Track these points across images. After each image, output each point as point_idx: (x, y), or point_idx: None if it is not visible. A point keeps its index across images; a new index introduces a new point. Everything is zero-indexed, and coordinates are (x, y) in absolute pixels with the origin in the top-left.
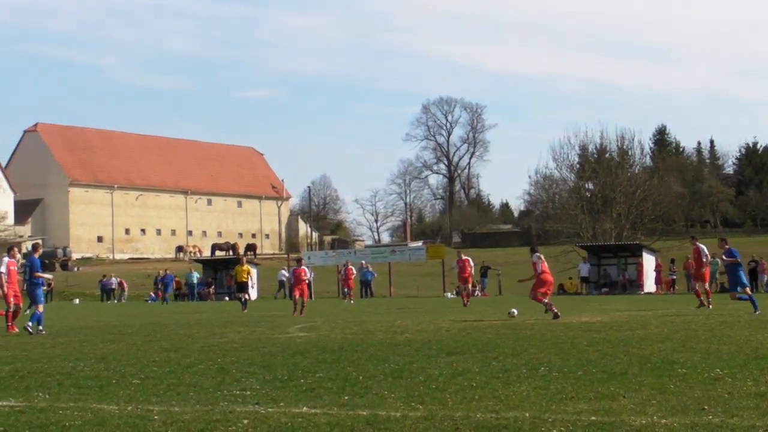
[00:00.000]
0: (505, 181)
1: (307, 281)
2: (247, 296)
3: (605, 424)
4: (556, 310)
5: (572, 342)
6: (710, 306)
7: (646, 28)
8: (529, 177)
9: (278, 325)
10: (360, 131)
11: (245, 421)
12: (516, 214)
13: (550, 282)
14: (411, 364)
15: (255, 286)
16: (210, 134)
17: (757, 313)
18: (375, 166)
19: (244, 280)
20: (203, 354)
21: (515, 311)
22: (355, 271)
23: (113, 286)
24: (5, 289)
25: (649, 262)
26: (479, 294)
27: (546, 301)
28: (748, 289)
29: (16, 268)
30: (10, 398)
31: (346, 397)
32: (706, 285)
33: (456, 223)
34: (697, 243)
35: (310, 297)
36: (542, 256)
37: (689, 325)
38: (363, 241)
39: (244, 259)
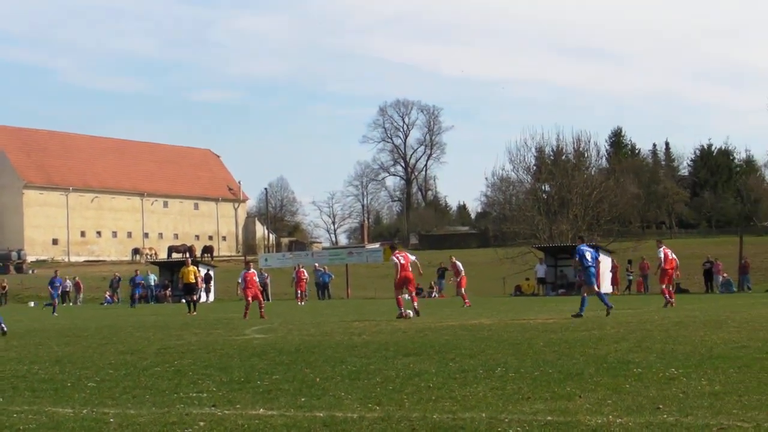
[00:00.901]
0: (462, 183)
1: (259, 284)
2: (195, 298)
3: (561, 423)
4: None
5: (529, 343)
6: (674, 304)
7: (601, 33)
8: (486, 179)
9: (235, 327)
10: (317, 133)
11: (201, 423)
12: (473, 215)
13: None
14: (368, 366)
15: (209, 288)
16: (166, 136)
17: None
18: (332, 168)
19: (191, 281)
20: (160, 356)
21: (411, 313)
22: (306, 274)
23: (68, 288)
24: None
25: (605, 263)
26: (436, 295)
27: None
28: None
29: None
30: None
31: (303, 399)
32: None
33: (413, 224)
34: (663, 246)
35: (267, 299)
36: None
37: (644, 325)
38: (320, 243)
39: (189, 260)
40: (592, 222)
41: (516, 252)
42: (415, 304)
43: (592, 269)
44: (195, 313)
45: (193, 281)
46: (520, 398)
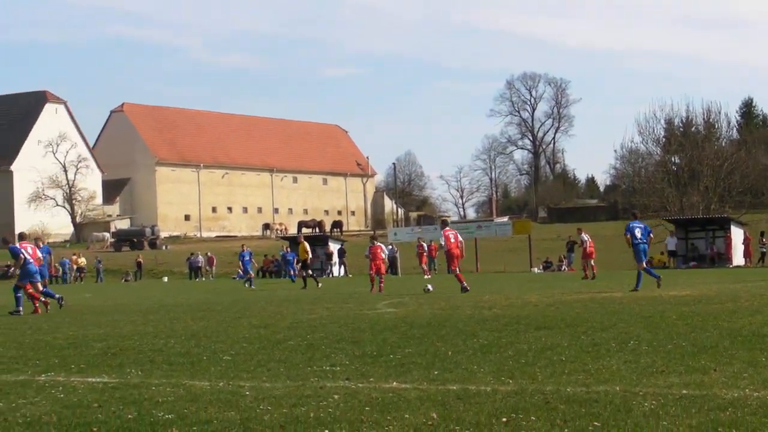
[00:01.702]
0: (591, 155)
1: (385, 258)
2: (310, 273)
3: (696, 397)
4: None
5: (661, 315)
6: None
7: (730, 1)
8: (615, 151)
9: (366, 301)
10: (444, 107)
11: (336, 397)
12: (602, 188)
13: None
14: (499, 339)
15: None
16: (294, 112)
17: None
18: (459, 143)
19: (305, 257)
20: (292, 330)
21: (430, 287)
22: (426, 247)
23: (200, 264)
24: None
25: (737, 235)
26: (566, 269)
27: None
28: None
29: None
30: (103, 374)
31: (436, 372)
32: None
33: (541, 198)
34: None
35: (396, 273)
36: None
37: None
38: (449, 217)
39: (302, 237)
40: (723, 194)
41: None
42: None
43: (642, 246)
44: (306, 288)
45: (307, 257)
46: (654, 371)
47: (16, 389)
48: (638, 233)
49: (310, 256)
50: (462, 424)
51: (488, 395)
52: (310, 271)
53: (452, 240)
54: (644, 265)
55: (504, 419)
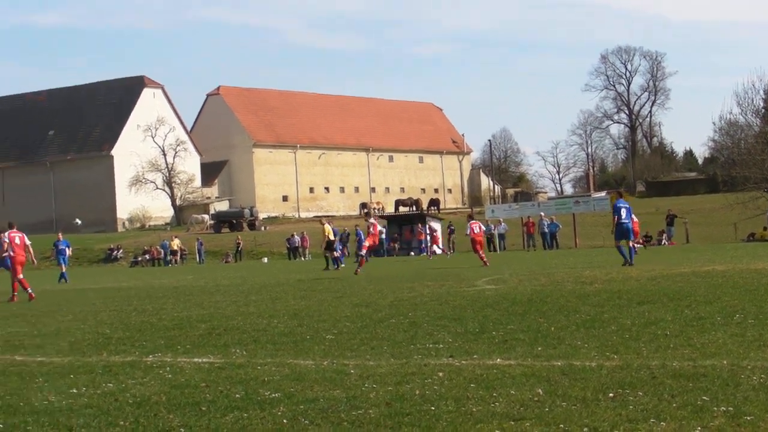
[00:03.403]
0: (688, 128)
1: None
2: (332, 254)
3: None
4: None
5: (766, 288)
6: None
7: None
8: (713, 123)
9: (466, 278)
10: (538, 83)
11: (440, 374)
12: (700, 161)
13: None
14: (602, 314)
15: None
16: (389, 91)
17: None
18: (555, 118)
19: (330, 238)
20: (394, 308)
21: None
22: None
23: (297, 244)
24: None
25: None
26: (666, 243)
27: None
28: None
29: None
30: (209, 354)
31: (539, 348)
32: None
33: (639, 172)
34: None
35: (496, 250)
36: None
37: None
38: (546, 192)
39: (323, 219)
40: None
41: (747, 197)
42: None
43: (627, 225)
44: (335, 268)
45: (332, 239)
46: (761, 345)
47: (125, 370)
48: (623, 213)
49: (332, 237)
50: (568, 399)
51: (593, 371)
52: (335, 253)
53: (476, 230)
54: (624, 242)
55: (611, 394)
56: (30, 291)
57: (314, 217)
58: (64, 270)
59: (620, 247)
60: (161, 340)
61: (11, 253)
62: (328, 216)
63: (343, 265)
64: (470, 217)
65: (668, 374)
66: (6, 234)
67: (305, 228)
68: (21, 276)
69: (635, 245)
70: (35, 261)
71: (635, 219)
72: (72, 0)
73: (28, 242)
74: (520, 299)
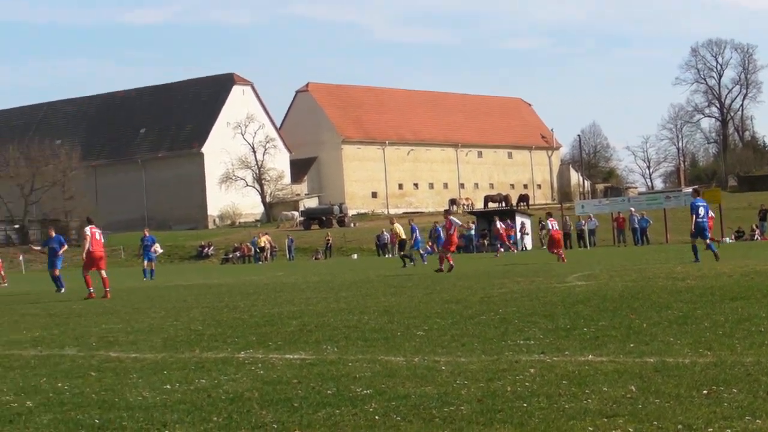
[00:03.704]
0: None
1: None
2: (402, 253)
3: None
4: None
5: None
6: None
7: None
8: None
9: (556, 274)
10: (627, 77)
11: (532, 370)
12: None
13: None
14: (694, 311)
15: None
16: (477, 87)
17: None
18: (644, 112)
19: (402, 237)
20: (484, 305)
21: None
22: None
23: (386, 240)
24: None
25: None
26: (759, 238)
27: None
28: None
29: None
30: (300, 351)
31: (632, 345)
32: None
33: (731, 166)
34: None
35: (585, 246)
36: None
37: None
38: (636, 187)
39: (394, 218)
40: None
41: None
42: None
43: (704, 223)
44: (412, 264)
45: (403, 237)
46: None
47: (218, 366)
48: (701, 211)
49: (403, 236)
50: (662, 396)
51: (687, 367)
52: (404, 252)
53: (555, 227)
54: (700, 241)
55: (704, 391)
56: (91, 290)
57: (403, 213)
58: (146, 266)
59: (695, 246)
60: (253, 337)
61: (90, 248)
62: (416, 213)
63: (425, 263)
64: (549, 215)
65: (763, 371)
66: (87, 228)
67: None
68: (104, 274)
69: (712, 240)
70: (23, 268)
71: (711, 215)
72: None
73: (101, 239)
74: (611, 295)
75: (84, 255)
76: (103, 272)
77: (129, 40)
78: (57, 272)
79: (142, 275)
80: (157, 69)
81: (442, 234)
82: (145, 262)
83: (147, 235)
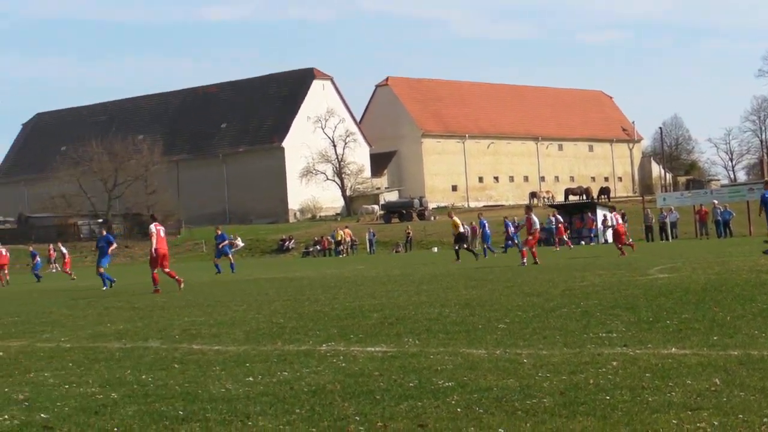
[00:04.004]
0: None
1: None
2: (465, 246)
3: None
4: None
5: None
6: None
7: None
8: None
9: (638, 267)
10: (709, 69)
11: (614, 363)
12: None
13: None
14: None
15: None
16: (557, 80)
17: None
18: (727, 104)
19: (459, 231)
20: (565, 298)
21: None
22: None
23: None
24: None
25: None
26: None
27: None
28: None
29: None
30: (382, 344)
31: (715, 338)
32: None
33: None
34: None
35: (667, 239)
36: None
37: None
38: (719, 180)
39: (452, 212)
40: None
41: None
42: None
43: None
44: (458, 261)
45: (462, 231)
46: None
47: (300, 359)
48: None
49: (461, 230)
50: (747, 389)
51: None
52: (465, 245)
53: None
54: None
55: None
56: (157, 287)
57: (483, 206)
58: (217, 261)
59: None
60: (334, 330)
61: (156, 246)
62: (497, 206)
63: (495, 254)
64: (612, 209)
65: None
66: (152, 226)
67: (474, 218)
68: (168, 269)
69: None
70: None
71: None
72: None
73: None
74: (694, 288)
75: (151, 252)
76: (166, 269)
77: (210, 36)
78: (101, 270)
79: (215, 269)
80: (237, 65)
81: (510, 229)
82: (216, 258)
83: (219, 233)
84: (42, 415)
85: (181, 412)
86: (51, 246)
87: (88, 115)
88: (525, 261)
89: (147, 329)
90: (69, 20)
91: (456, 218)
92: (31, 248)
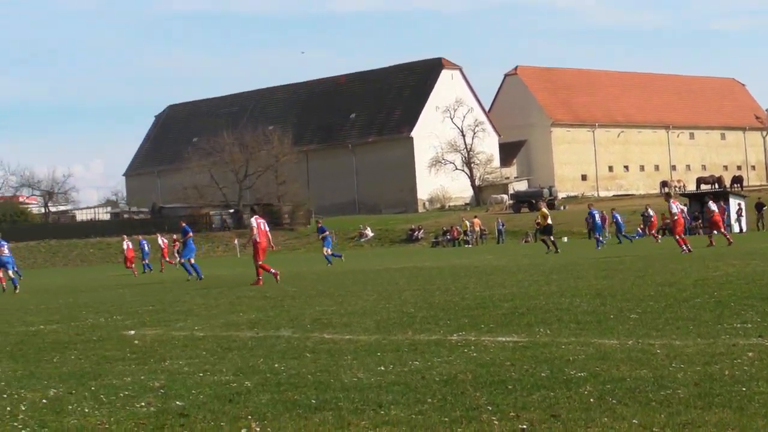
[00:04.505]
0: None
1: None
2: (551, 238)
3: None
4: None
5: None
6: None
7: None
8: None
9: None
10: None
11: (750, 354)
12: None
13: None
14: None
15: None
16: (689, 68)
17: None
18: None
19: (547, 223)
20: (698, 288)
21: None
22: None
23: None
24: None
25: None
26: None
27: None
28: None
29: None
30: (513, 334)
31: None
32: None
33: None
34: None
35: None
36: None
37: None
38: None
39: (541, 203)
40: None
41: None
42: None
43: None
44: (557, 251)
45: (549, 223)
46: None
47: (431, 348)
48: None
49: (549, 222)
50: None
51: None
52: (552, 238)
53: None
54: None
55: None
56: (273, 271)
57: (614, 195)
58: (327, 253)
59: None
60: (465, 319)
61: (257, 239)
62: (627, 195)
63: (620, 243)
64: (668, 196)
65: None
66: (253, 219)
67: (604, 206)
68: (261, 261)
69: None
70: (274, 246)
71: None
72: None
73: (266, 228)
74: None
75: (251, 245)
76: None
77: (339, 27)
78: (183, 260)
79: (326, 262)
80: (366, 55)
81: (620, 221)
82: (325, 249)
83: (319, 225)
84: (177, 402)
85: (314, 401)
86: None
87: (220, 106)
88: (685, 248)
89: (279, 318)
90: (201, 12)
91: (545, 209)
92: (140, 238)
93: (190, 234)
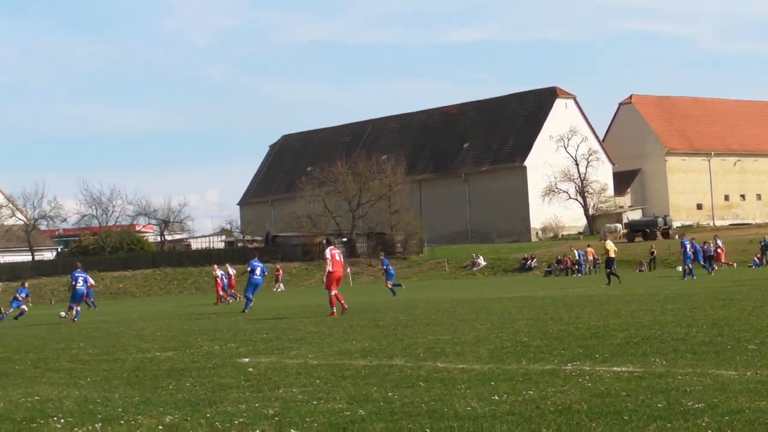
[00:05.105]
0: None
1: None
2: (609, 271)
3: None
4: None
5: None
6: None
7: None
8: None
9: None
10: None
11: None
12: None
13: None
14: None
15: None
16: None
17: None
18: None
19: (611, 256)
20: None
21: None
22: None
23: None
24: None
25: None
26: None
27: None
28: None
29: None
30: (628, 364)
31: None
32: None
33: None
34: None
35: None
36: None
37: None
38: None
39: (607, 235)
40: None
41: None
42: None
43: None
44: (619, 281)
45: (611, 256)
46: None
47: (545, 378)
48: None
49: (612, 255)
50: None
51: None
52: (612, 270)
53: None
54: None
55: None
56: (333, 309)
57: (729, 225)
58: (389, 285)
59: None
60: (579, 349)
61: (330, 269)
62: (743, 224)
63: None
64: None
65: None
66: (328, 251)
67: (721, 236)
68: (334, 291)
69: None
70: (351, 281)
71: None
72: (486, 16)
73: (341, 259)
74: None
75: (325, 276)
76: (334, 291)
77: (452, 57)
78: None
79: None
80: (479, 84)
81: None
82: (388, 282)
83: (382, 257)
84: (292, 430)
85: (428, 430)
86: (278, 265)
87: (333, 135)
88: None
89: (391, 347)
90: (316, 42)
91: (609, 242)
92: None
93: (257, 269)
